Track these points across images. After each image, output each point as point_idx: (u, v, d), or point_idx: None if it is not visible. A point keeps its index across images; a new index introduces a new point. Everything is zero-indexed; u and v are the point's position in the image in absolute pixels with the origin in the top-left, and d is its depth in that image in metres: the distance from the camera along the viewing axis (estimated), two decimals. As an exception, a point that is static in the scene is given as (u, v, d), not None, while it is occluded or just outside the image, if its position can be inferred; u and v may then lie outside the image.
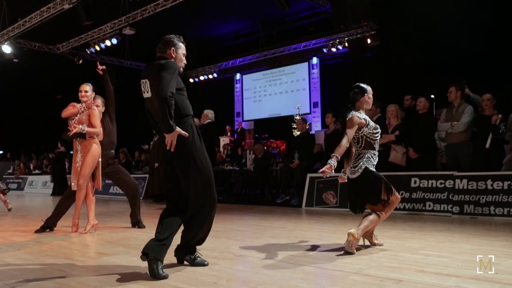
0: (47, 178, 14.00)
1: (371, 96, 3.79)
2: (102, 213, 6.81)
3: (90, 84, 5.00)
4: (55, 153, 13.24)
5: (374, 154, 3.68)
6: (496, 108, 6.24)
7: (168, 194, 3.04)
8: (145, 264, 2.99)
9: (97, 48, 13.67)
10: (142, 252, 2.79)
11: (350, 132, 3.59)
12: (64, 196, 5.10)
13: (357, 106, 3.74)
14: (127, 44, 13.96)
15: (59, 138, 13.04)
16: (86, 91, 4.93)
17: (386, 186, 3.60)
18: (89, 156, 4.81)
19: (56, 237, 4.54)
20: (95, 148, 4.87)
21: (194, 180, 2.93)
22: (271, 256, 3.39)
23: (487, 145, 6.06)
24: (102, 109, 5.21)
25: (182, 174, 2.94)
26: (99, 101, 5.21)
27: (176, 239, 3.00)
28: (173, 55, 3.02)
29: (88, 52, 14.31)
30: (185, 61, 3.11)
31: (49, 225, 5.00)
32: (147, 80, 2.93)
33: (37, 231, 4.91)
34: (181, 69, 3.05)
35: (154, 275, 2.74)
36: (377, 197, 3.59)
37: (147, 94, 2.95)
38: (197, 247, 3.12)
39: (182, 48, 3.07)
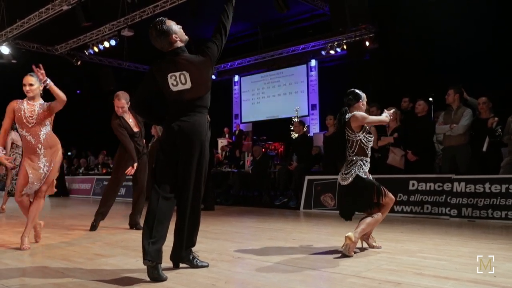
0: (45, 179, 13.95)
1: (365, 103, 3.81)
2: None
3: (35, 75, 4.10)
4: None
5: (366, 161, 3.69)
6: (494, 110, 6.26)
7: (159, 182, 2.91)
8: (141, 266, 2.98)
9: (96, 49, 13.66)
10: (145, 259, 2.74)
11: (369, 116, 3.69)
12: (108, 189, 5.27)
13: (351, 111, 3.74)
14: (125, 45, 13.95)
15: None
16: (31, 85, 4.07)
17: (377, 190, 3.60)
18: (57, 164, 4.15)
19: (54, 239, 4.53)
20: (60, 156, 4.24)
21: (199, 168, 2.93)
22: (270, 258, 3.39)
23: (484, 149, 6.07)
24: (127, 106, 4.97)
25: (186, 159, 2.90)
26: (123, 100, 4.98)
27: (169, 240, 2.97)
28: (177, 39, 2.99)
29: (87, 53, 14.29)
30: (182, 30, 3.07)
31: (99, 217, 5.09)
32: (184, 72, 2.91)
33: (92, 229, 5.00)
34: (187, 38, 3.06)
35: (155, 278, 2.73)
36: (369, 203, 3.61)
37: (183, 86, 2.92)
38: (193, 248, 3.12)
39: (174, 24, 3.02)
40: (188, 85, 2.92)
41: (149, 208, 2.88)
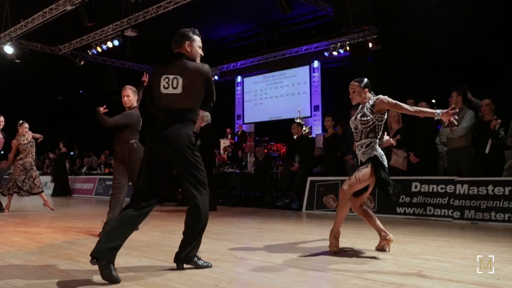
0: (48, 178, 14.01)
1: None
2: (102, 214, 6.81)
3: None
4: (56, 154, 13.25)
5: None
6: (497, 113, 6.25)
7: (140, 194, 2.93)
8: (146, 265, 2.99)
9: (99, 49, 13.69)
10: (91, 256, 2.71)
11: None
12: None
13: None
14: (128, 45, 13.99)
15: (61, 139, 13.06)
16: None
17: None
18: None
19: (57, 238, 4.54)
20: None
21: (194, 174, 2.96)
22: (272, 259, 3.39)
23: (487, 151, 6.06)
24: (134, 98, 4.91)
25: (180, 169, 2.96)
26: (128, 90, 4.90)
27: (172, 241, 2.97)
28: (188, 49, 3.05)
29: (90, 53, 14.33)
30: (201, 53, 3.14)
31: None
32: (178, 77, 2.95)
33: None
34: (196, 58, 3.11)
35: (107, 276, 2.67)
36: None
37: (173, 90, 2.94)
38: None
39: (197, 41, 3.10)
40: (178, 90, 2.93)
41: (118, 221, 2.87)
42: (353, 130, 3.75)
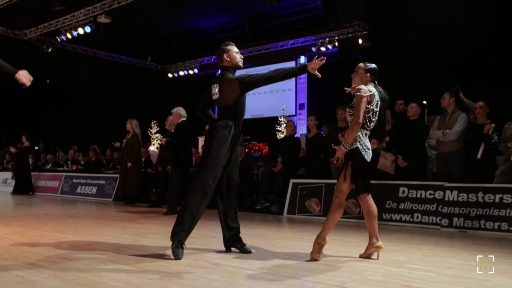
0: (8, 175, 13.71)
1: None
2: (67, 215, 6.69)
3: None
4: (18, 148, 12.96)
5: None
6: (490, 117, 6.33)
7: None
8: (111, 271, 2.94)
9: (69, 36, 13.44)
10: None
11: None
12: None
13: None
14: (101, 33, 13.78)
15: (24, 132, 12.78)
16: None
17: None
18: None
19: (15, 239, 4.44)
20: None
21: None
22: (249, 266, 3.38)
23: (479, 156, 6.12)
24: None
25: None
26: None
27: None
28: (227, 58, 3.96)
29: (59, 40, 14.07)
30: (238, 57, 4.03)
31: None
32: (217, 84, 3.98)
33: None
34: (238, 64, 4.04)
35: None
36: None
37: (214, 96, 3.99)
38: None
39: (233, 49, 4.01)
40: (217, 95, 3.96)
41: None
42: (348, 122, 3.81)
